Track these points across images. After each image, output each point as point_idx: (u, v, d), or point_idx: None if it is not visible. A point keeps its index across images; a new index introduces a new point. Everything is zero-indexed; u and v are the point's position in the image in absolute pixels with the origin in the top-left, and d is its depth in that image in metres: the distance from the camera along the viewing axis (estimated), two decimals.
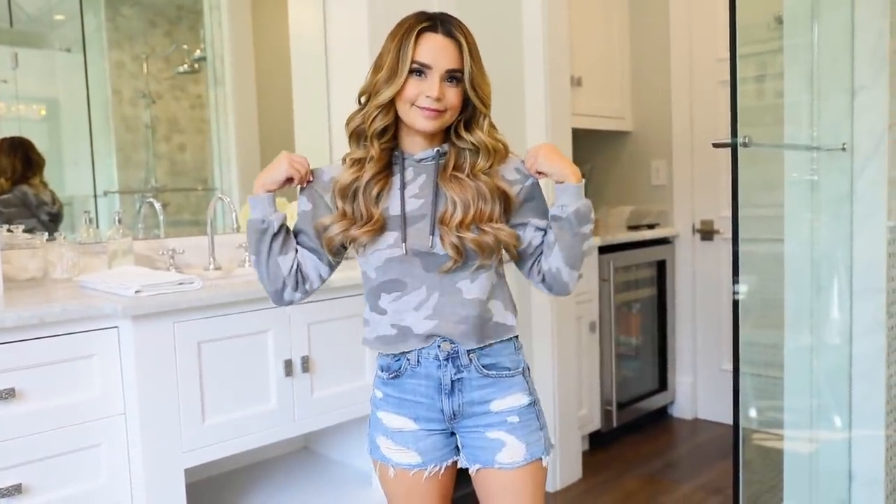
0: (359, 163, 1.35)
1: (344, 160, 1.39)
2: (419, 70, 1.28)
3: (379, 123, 1.32)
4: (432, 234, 1.32)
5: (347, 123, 1.37)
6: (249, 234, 1.39)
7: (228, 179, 2.84)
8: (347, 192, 1.35)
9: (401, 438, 1.39)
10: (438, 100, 1.28)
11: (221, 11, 2.79)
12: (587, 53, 3.43)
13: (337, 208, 1.36)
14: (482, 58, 1.35)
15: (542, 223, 1.40)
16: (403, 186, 1.35)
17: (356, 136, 1.36)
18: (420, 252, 1.32)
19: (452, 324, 1.33)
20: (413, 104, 1.29)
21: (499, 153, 1.36)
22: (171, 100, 2.70)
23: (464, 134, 1.35)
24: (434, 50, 1.28)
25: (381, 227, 1.33)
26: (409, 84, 1.29)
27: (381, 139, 1.34)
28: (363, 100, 1.36)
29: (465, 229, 1.30)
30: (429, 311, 1.33)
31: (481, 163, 1.34)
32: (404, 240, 1.32)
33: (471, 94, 1.31)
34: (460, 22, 1.33)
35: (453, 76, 1.30)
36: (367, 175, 1.34)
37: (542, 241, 1.39)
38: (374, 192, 1.34)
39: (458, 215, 1.31)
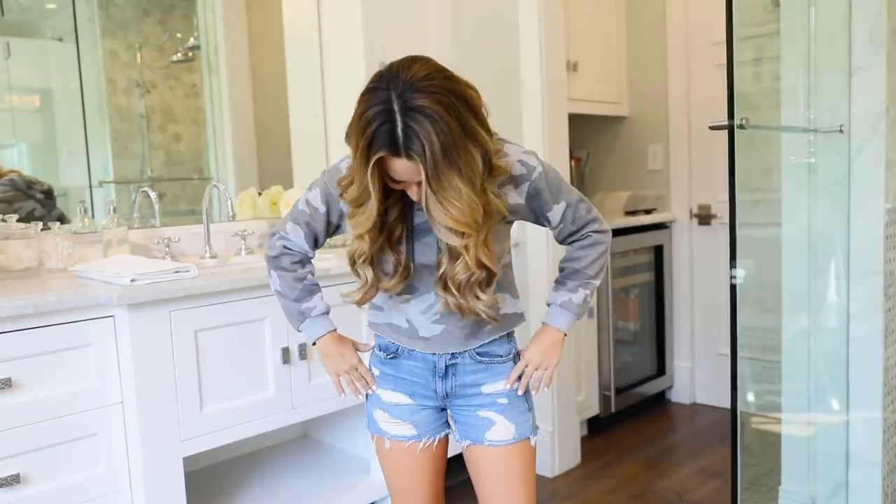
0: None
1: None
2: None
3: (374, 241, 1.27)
4: (439, 250, 1.28)
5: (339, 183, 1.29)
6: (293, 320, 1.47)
7: (224, 168, 2.83)
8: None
9: (397, 412, 1.44)
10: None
11: None
12: (583, 38, 3.41)
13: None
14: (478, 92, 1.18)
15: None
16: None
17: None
18: (428, 266, 1.33)
19: (458, 328, 1.36)
20: None
21: (492, 271, 1.25)
22: (166, 89, 2.69)
23: None
24: (401, 171, 1.16)
25: (409, 273, 1.32)
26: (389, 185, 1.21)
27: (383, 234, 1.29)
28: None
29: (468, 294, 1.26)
30: (435, 315, 1.36)
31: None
32: (413, 259, 1.32)
33: (436, 229, 1.20)
34: (425, 119, 1.10)
35: None
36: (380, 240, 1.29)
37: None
38: (395, 234, 1.30)
39: (461, 276, 1.24)
